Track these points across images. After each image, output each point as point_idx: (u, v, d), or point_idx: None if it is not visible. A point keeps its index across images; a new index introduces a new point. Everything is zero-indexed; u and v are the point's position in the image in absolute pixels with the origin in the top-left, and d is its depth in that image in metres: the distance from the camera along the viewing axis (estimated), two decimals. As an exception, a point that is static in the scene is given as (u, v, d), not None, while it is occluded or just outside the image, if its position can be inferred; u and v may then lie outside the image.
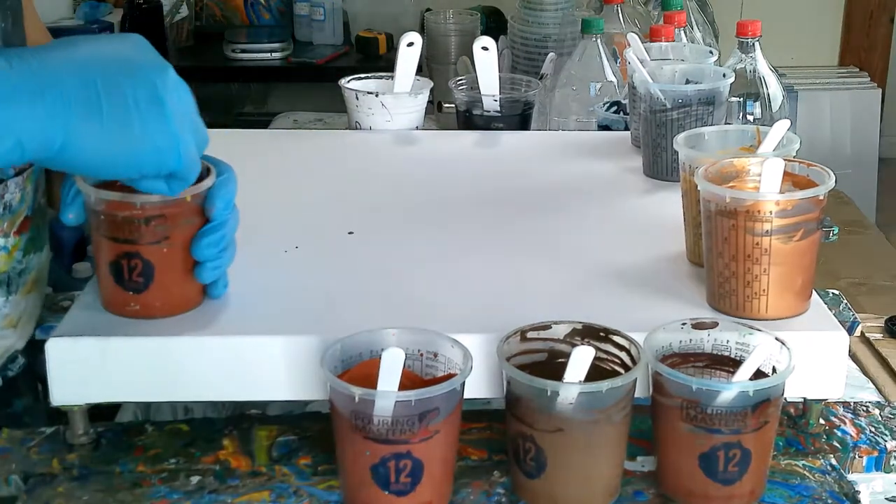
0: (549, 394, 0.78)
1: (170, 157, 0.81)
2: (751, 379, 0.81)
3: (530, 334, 0.85)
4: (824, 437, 0.93)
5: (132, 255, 0.88)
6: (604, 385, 0.78)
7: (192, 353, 0.89)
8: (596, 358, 0.81)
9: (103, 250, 0.89)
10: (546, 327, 0.85)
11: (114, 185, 0.87)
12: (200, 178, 0.88)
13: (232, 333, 0.90)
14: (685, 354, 0.87)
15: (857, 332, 1.34)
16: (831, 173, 0.91)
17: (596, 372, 0.81)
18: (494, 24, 2.53)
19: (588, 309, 0.93)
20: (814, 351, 0.89)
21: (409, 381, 0.82)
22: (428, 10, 2.51)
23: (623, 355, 0.84)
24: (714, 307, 0.94)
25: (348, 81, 1.50)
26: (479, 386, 0.87)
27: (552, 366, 0.84)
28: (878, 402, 1.02)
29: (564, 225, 1.14)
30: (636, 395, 0.82)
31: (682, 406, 0.80)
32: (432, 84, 1.51)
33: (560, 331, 0.86)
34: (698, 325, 0.87)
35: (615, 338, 0.84)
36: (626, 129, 1.47)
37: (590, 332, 0.85)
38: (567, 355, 0.80)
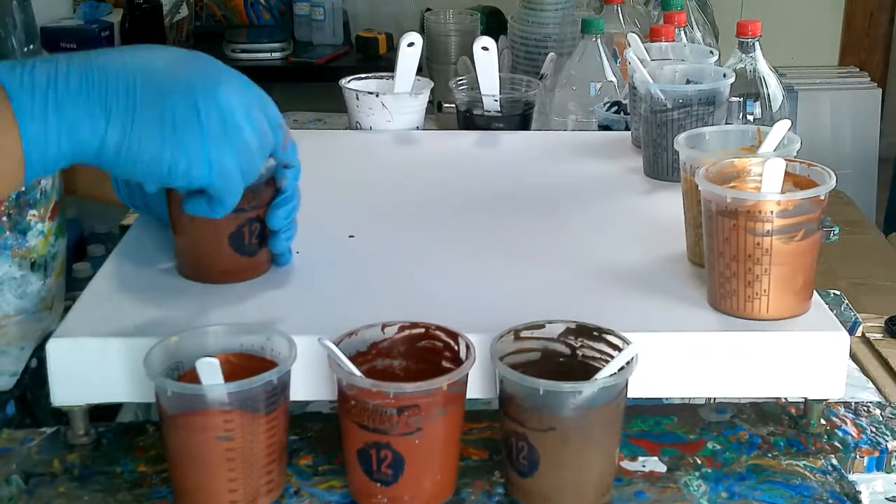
0: (541, 392, 0.78)
1: (198, 171, 0.84)
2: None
3: (524, 333, 0.85)
4: (825, 437, 0.93)
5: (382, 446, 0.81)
6: (597, 384, 0.78)
7: (192, 353, 0.88)
8: (590, 357, 0.81)
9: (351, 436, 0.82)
10: (540, 326, 0.85)
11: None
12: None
13: (232, 333, 0.90)
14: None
15: (858, 333, 1.34)
16: (832, 173, 0.91)
17: (588, 371, 0.82)
18: (494, 24, 2.53)
19: (588, 309, 0.93)
20: (815, 351, 0.89)
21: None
22: (428, 10, 2.51)
23: (616, 354, 0.84)
24: (715, 307, 0.94)
25: (348, 81, 1.50)
26: (478, 386, 0.87)
27: (547, 364, 0.84)
28: (880, 402, 1.02)
29: (564, 225, 1.14)
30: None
31: None
32: (432, 84, 1.51)
33: (554, 330, 0.85)
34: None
35: (608, 337, 0.84)
36: (627, 129, 1.47)
37: (583, 332, 0.85)
38: (561, 354, 0.80)
